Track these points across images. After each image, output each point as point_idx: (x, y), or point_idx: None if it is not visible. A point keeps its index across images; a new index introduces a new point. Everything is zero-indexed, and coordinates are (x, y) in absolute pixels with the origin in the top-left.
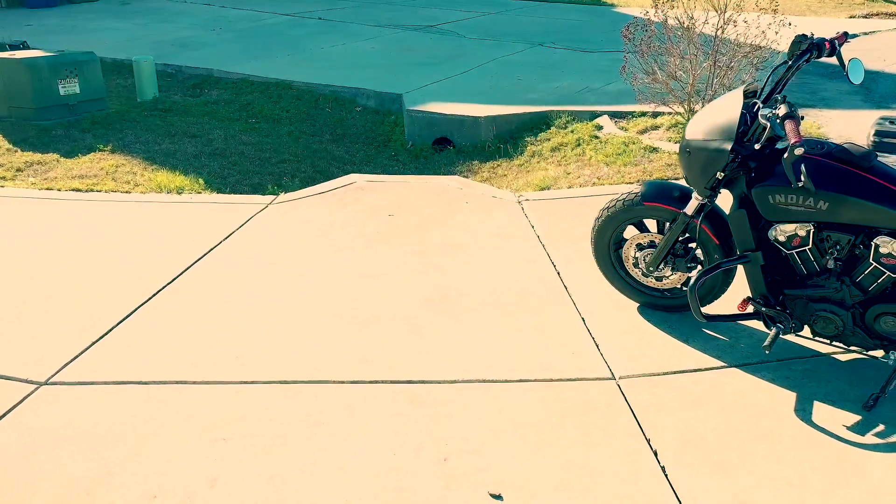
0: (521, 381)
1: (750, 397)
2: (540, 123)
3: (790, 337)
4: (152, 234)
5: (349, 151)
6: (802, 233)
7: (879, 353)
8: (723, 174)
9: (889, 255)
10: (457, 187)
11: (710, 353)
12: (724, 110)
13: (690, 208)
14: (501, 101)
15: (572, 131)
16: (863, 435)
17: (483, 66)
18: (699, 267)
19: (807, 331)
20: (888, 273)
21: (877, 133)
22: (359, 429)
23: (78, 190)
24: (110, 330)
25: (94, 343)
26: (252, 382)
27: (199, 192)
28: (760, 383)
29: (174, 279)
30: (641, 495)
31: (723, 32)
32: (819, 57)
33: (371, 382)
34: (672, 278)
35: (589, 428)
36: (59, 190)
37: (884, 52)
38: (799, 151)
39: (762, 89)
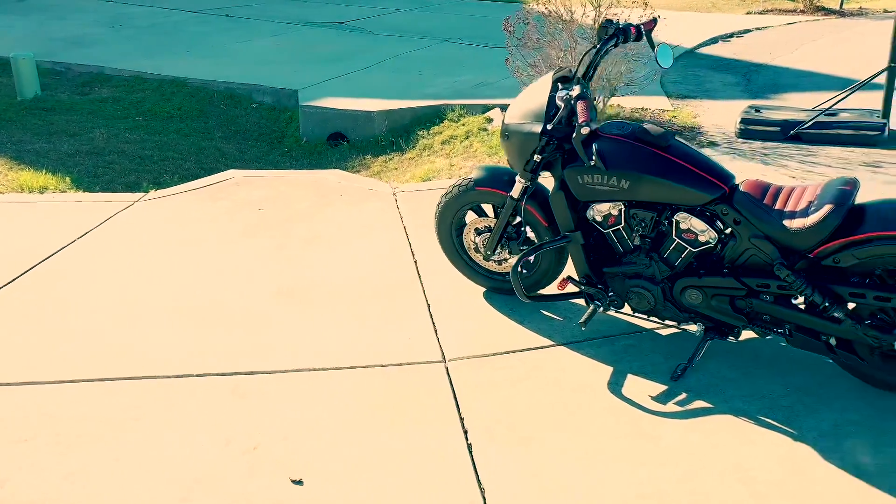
0: (350, 367)
1: (570, 373)
2: (433, 117)
3: (619, 315)
4: (4, 233)
5: (240, 149)
6: (615, 212)
7: (693, 328)
8: (540, 157)
9: (689, 230)
10: (335, 181)
11: (543, 333)
12: (536, 94)
13: (516, 191)
14: (398, 95)
15: (463, 124)
16: (664, 404)
17: (386, 62)
18: None
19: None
20: (689, 248)
21: (742, 121)
22: (174, 423)
23: None
24: None
25: None
26: (70, 381)
27: (64, 192)
28: (583, 360)
29: (13, 280)
30: (442, 474)
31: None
32: (626, 41)
33: (197, 376)
34: (511, 261)
35: (407, 411)
36: None
37: (771, 46)
38: (585, 131)
39: (575, 73)
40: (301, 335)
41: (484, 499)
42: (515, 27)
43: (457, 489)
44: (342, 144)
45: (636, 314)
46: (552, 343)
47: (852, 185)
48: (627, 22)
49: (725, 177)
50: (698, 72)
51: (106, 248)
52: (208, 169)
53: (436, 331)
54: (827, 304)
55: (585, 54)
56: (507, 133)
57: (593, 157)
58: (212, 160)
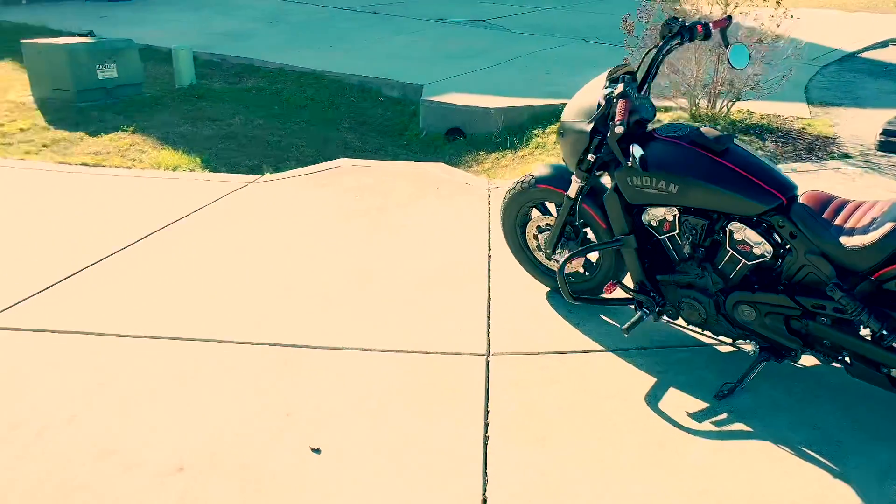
0: (396, 351)
1: (608, 380)
2: (551, 116)
3: (678, 327)
4: (130, 204)
5: (362, 139)
6: (670, 217)
7: (748, 346)
8: (594, 156)
9: (743, 241)
10: (436, 174)
11: (594, 338)
12: (590, 92)
13: (572, 191)
14: (520, 93)
15: None
16: (700, 421)
17: (516, 60)
18: None
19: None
20: (743, 260)
21: (884, 132)
22: (225, 385)
23: (86, 164)
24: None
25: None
26: (148, 337)
27: (192, 171)
28: (627, 368)
29: (126, 246)
30: (452, 462)
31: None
32: (692, 40)
33: (258, 344)
34: (574, 262)
35: (437, 398)
36: (69, 164)
37: None
38: (619, 130)
39: (636, 72)
40: (362, 316)
41: (485, 490)
42: (635, 25)
43: (461, 478)
44: (459, 140)
45: (690, 327)
46: (601, 348)
47: None
48: (699, 19)
49: (785, 187)
50: (853, 77)
51: (212, 224)
52: (328, 156)
53: (489, 325)
54: (885, 333)
55: (647, 52)
56: (562, 131)
57: (630, 158)
58: (333, 149)
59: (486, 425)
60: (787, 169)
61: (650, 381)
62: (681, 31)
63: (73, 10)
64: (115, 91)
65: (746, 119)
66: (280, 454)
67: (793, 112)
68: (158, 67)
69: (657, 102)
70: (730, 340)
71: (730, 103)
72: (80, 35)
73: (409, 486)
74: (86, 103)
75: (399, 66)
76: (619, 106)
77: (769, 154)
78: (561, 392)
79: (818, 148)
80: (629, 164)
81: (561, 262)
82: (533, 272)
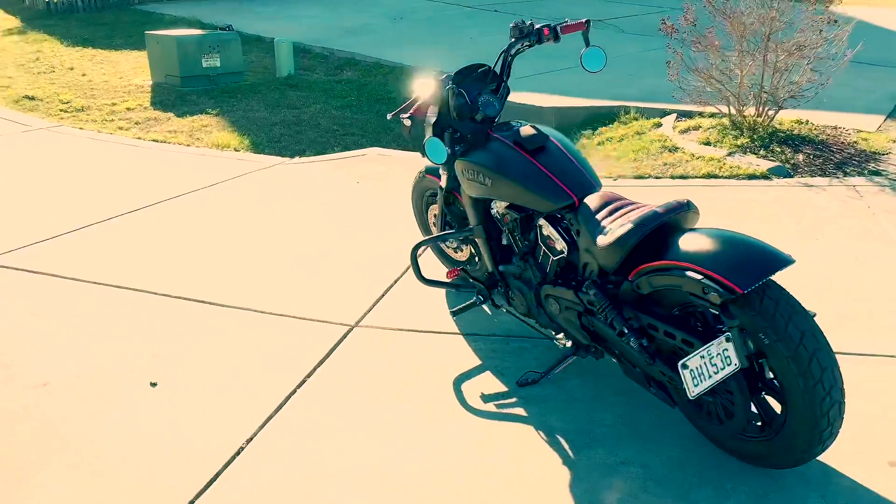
0: (281, 315)
1: (437, 358)
2: (604, 118)
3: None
4: (162, 175)
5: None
6: (502, 210)
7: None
8: (448, 149)
9: (548, 237)
10: None
11: (462, 323)
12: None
13: (442, 180)
14: (587, 94)
15: (630, 127)
16: (485, 403)
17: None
18: None
19: None
20: (550, 255)
21: None
22: (122, 326)
23: (155, 140)
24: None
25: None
26: (79, 280)
27: (237, 150)
28: (464, 350)
29: (140, 208)
30: (249, 406)
31: (770, 29)
32: (540, 42)
33: (176, 297)
34: (465, 249)
35: (281, 354)
36: (142, 139)
37: None
38: (407, 123)
39: (492, 70)
40: (278, 285)
41: (257, 431)
42: (675, 27)
43: (246, 420)
44: None
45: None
46: (456, 332)
47: (675, 208)
48: (547, 23)
49: (585, 186)
50: None
51: (215, 197)
52: (377, 145)
53: (377, 302)
54: (625, 331)
55: (502, 53)
56: (423, 124)
57: (423, 144)
58: (385, 139)
59: (302, 383)
60: (800, 183)
61: (475, 363)
62: (528, 34)
63: (226, 7)
64: (217, 78)
65: (795, 129)
66: (127, 385)
67: (858, 124)
68: (271, 58)
69: (700, 108)
70: (553, 333)
71: (773, 111)
72: (221, 28)
73: (206, 414)
74: (189, 88)
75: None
76: (415, 102)
77: (791, 166)
78: (387, 364)
79: (853, 164)
80: (448, 153)
81: (414, 246)
82: (438, 256)
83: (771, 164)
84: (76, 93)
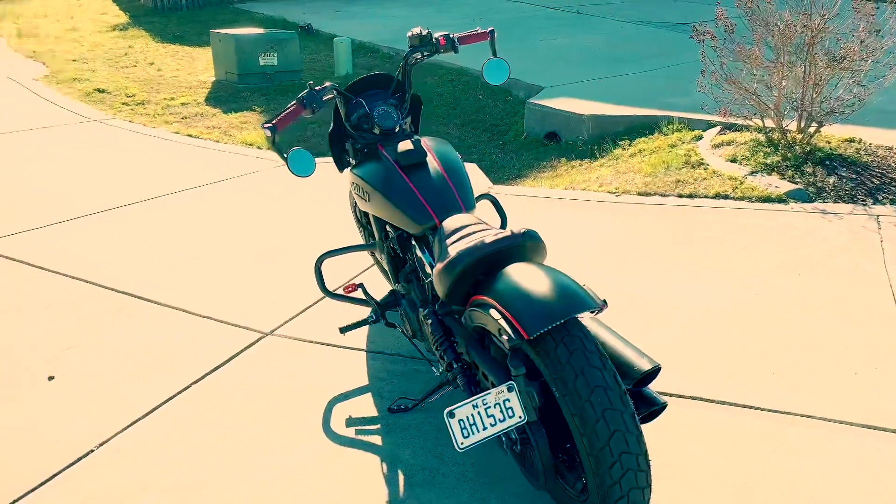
0: (207, 317)
1: (327, 375)
2: (644, 128)
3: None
4: (178, 169)
5: (462, 136)
6: (389, 227)
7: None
8: (353, 160)
9: (420, 258)
10: None
11: (375, 339)
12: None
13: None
14: (631, 102)
15: (668, 138)
16: (348, 427)
17: (672, 68)
18: None
19: None
20: (423, 277)
21: None
22: (48, 315)
23: (191, 136)
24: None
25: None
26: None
27: (261, 149)
28: (358, 368)
29: (139, 201)
30: (131, 404)
31: (814, 39)
32: (437, 52)
33: (108, 288)
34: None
35: (183, 357)
36: (179, 133)
37: None
38: (267, 133)
39: (395, 79)
40: (212, 284)
41: (127, 427)
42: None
43: (125, 417)
44: (549, 144)
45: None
46: (362, 348)
47: (502, 239)
48: (445, 33)
49: (449, 208)
50: None
51: (217, 194)
52: None
53: (305, 310)
54: (453, 365)
55: (403, 62)
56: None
57: (285, 156)
58: None
59: (185, 388)
60: (816, 209)
61: (361, 383)
62: (426, 43)
63: (314, 6)
64: (273, 76)
65: (841, 148)
66: (27, 375)
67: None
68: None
69: (747, 122)
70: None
71: (814, 129)
72: (301, 27)
73: (78, 412)
74: (245, 85)
75: (545, 67)
76: (288, 111)
77: (816, 189)
78: (278, 376)
79: (890, 190)
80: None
81: (317, 259)
82: (379, 269)
83: (791, 187)
84: (143, 87)
